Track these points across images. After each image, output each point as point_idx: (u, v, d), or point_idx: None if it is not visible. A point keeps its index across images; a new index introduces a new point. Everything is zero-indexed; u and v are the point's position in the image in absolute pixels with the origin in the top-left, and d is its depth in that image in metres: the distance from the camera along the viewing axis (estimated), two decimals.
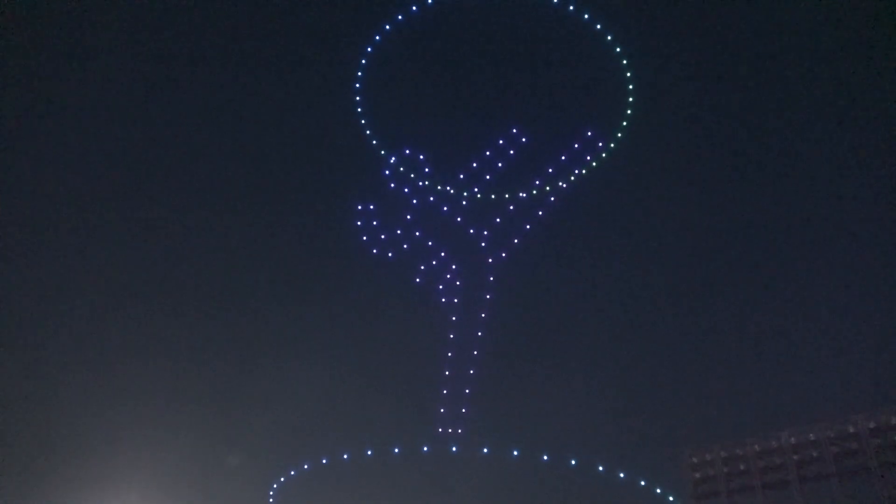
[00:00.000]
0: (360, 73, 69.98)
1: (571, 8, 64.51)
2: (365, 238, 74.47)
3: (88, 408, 68.07)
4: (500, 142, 70.41)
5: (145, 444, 66.51)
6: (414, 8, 67.34)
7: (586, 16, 65.07)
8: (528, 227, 72.09)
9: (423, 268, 72.26)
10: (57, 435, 67.53)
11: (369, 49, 69.29)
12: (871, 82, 67.04)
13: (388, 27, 68.45)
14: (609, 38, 66.04)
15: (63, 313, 72.57)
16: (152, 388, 70.71)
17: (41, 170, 72.46)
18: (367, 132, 70.92)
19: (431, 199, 71.75)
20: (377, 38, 68.85)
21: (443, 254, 72.28)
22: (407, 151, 70.60)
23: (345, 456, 62.08)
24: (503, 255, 72.31)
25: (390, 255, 74.15)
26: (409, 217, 73.50)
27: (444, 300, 72.12)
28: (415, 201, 72.79)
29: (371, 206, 73.85)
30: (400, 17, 68.09)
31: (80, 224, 74.11)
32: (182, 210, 78.11)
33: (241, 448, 72.15)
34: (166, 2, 75.14)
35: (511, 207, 71.12)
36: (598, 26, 65.64)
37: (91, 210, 74.06)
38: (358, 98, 70.30)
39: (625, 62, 66.60)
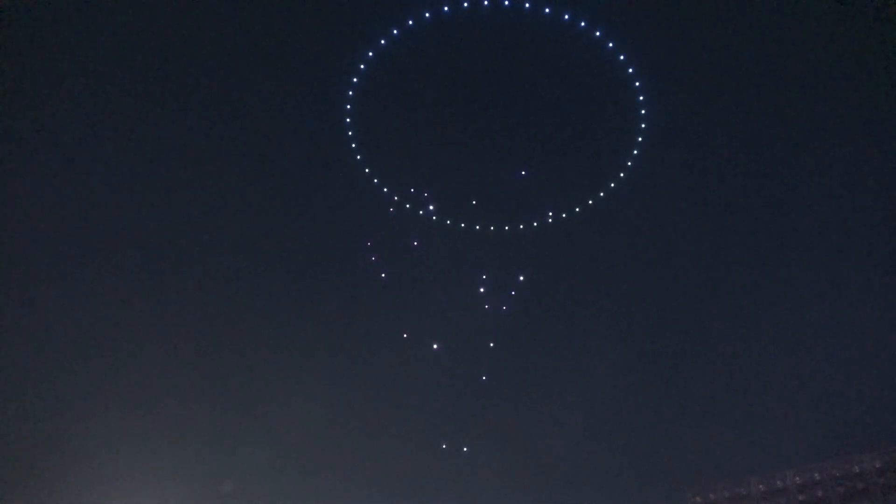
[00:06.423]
0: (361, 110, 70.82)
1: (583, 24, 64.94)
2: (366, 277, 75.01)
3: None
4: (504, 176, 70.96)
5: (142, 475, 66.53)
6: (410, 39, 68.26)
7: (597, 33, 65.42)
8: (528, 268, 72.30)
9: (419, 309, 72.67)
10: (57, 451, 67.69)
11: (369, 84, 70.10)
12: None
13: (387, 62, 69.34)
14: (621, 60, 66.37)
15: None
16: (152, 427, 70.70)
17: (39, 176, 72.71)
18: (367, 169, 71.66)
19: (434, 236, 72.10)
20: (376, 73, 69.72)
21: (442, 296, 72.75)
22: (412, 190, 71.07)
23: None
24: (505, 294, 72.39)
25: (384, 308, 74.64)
26: (410, 253, 73.93)
27: (442, 340, 72.28)
28: (415, 243, 73.18)
29: (372, 244, 74.41)
30: (399, 50, 68.97)
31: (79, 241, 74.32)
32: (176, 246, 78.21)
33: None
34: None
35: (512, 243, 71.43)
36: (610, 44, 65.95)
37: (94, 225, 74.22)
38: (357, 133, 71.14)
39: (637, 84, 67.02)
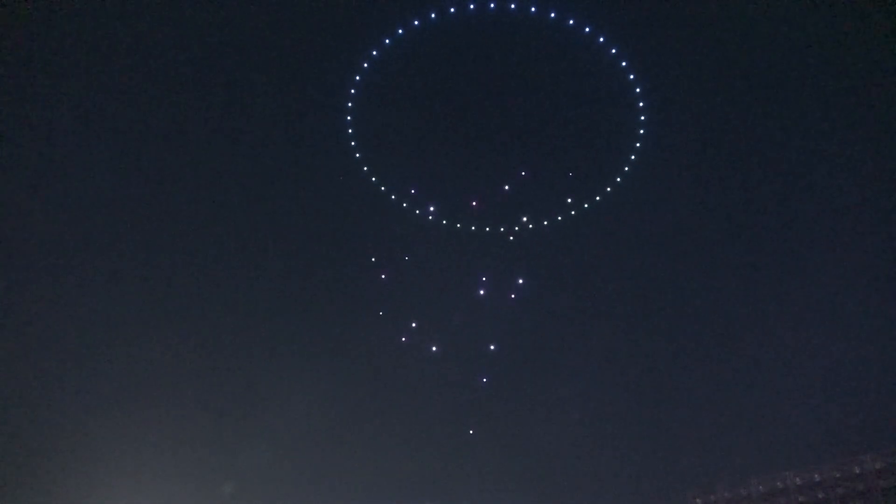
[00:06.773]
0: (362, 109, 70.69)
1: (587, 29, 65.16)
2: (365, 278, 74.86)
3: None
4: (504, 178, 71.07)
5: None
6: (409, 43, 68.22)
7: (601, 38, 65.67)
8: (527, 270, 72.42)
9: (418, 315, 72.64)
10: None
11: (371, 83, 69.97)
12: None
13: (390, 61, 69.24)
14: (622, 66, 66.69)
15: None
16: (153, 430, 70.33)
17: (39, 176, 71.93)
18: (366, 168, 71.48)
19: (433, 237, 72.09)
20: (378, 72, 69.58)
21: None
22: (413, 191, 70.98)
23: None
24: (507, 298, 72.44)
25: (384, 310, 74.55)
26: (410, 254, 73.89)
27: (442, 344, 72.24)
28: (415, 244, 73.17)
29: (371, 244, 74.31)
30: (402, 50, 68.89)
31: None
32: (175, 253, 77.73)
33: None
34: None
35: (511, 245, 71.49)
36: (612, 50, 66.26)
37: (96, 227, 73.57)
38: (357, 132, 70.98)
39: (637, 90, 67.41)
